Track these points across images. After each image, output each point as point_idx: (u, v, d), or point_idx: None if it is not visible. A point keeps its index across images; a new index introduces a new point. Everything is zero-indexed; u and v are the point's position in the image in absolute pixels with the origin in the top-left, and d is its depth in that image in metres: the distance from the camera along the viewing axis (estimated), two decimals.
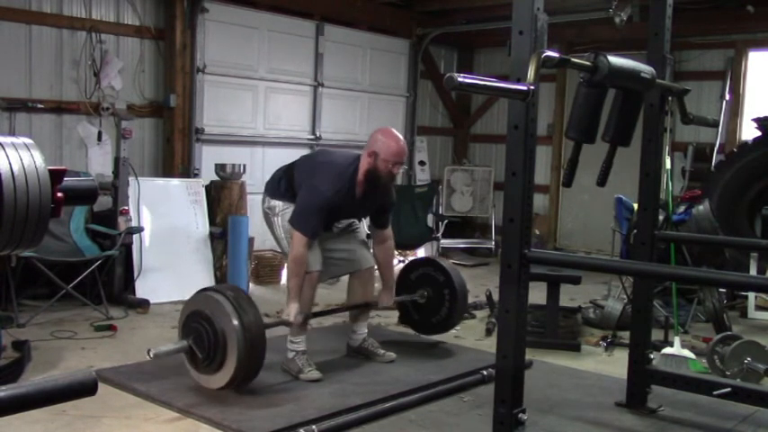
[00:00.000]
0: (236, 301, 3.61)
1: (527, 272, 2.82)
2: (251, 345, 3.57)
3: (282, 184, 4.26)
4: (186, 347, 3.68)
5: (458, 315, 4.76)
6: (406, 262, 4.88)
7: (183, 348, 3.69)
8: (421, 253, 8.05)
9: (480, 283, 6.96)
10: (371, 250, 4.48)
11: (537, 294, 4.35)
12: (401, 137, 4.15)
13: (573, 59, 2.73)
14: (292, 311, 3.97)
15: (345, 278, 4.60)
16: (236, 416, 3.49)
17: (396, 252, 7.29)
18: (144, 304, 5.63)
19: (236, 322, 3.55)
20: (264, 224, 4.45)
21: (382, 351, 4.46)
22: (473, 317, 5.82)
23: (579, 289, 5.73)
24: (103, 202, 5.84)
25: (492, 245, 8.95)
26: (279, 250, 6.40)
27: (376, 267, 4.48)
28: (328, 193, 4.01)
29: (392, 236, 4.50)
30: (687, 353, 4.58)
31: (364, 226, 4.75)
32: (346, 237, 4.40)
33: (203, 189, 6.54)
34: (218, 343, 3.59)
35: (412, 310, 4.82)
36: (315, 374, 4.05)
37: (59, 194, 1.53)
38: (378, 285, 4.56)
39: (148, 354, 3.56)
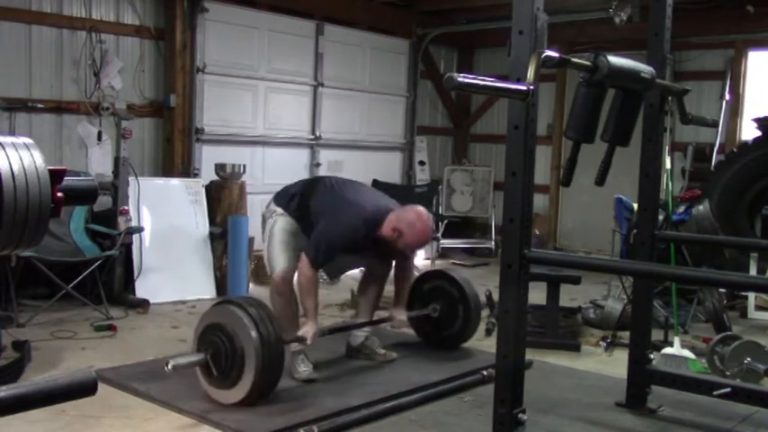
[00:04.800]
0: (258, 317, 3.56)
1: (527, 272, 2.82)
2: (269, 363, 3.53)
3: (295, 200, 4.23)
4: (203, 361, 3.63)
5: (470, 331, 4.76)
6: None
7: (200, 361, 3.65)
8: (420, 253, 8.04)
9: (480, 283, 6.92)
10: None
11: (537, 294, 4.35)
12: (430, 225, 4.18)
13: (573, 59, 2.73)
14: (310, 332, 3.96)
15: (347, 278, 4.58)
16: (236, 416, 3.49)
17: None
18: (144, 304, 5.63)
19: (255, 338, 3.50)
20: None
21: (383, 351, 4.47)
22: None
23: (579, 289, 5.73)
24: (103, 202, 5.83)
25: (492, 245, 8.95)
26: None
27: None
28: (348, 233, 4.06)
29: (414, 265, 4.59)
30: (687, 353, 4.58)
31: None
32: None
33: (203, 189, 6.53)
34: (235, 360, 3.54)
35: (424, 323, 4.80)
36: (312, 375, 4.04)
37: (59, 194, 1.53)
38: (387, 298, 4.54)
39: (166, 366, 3.48)
